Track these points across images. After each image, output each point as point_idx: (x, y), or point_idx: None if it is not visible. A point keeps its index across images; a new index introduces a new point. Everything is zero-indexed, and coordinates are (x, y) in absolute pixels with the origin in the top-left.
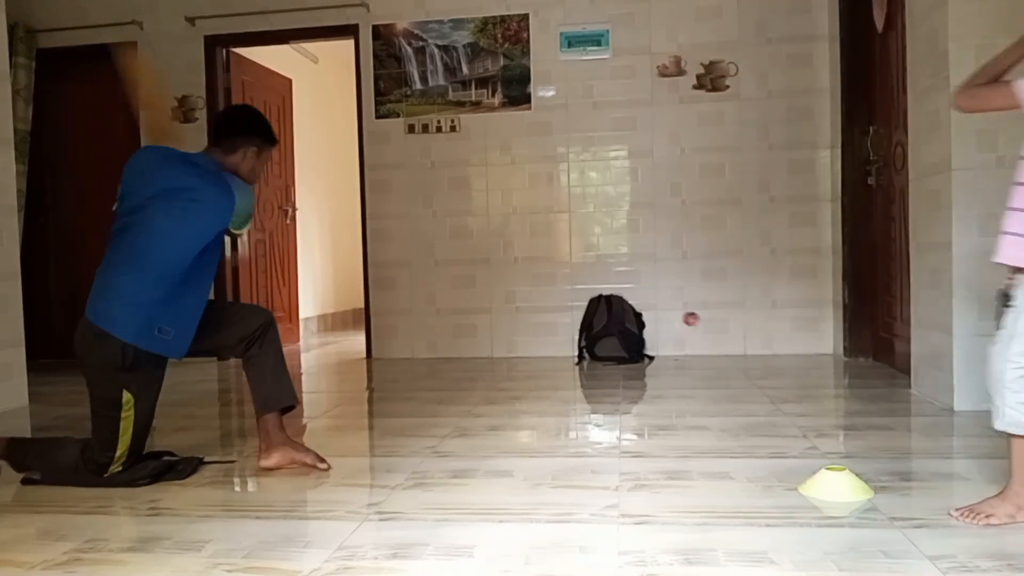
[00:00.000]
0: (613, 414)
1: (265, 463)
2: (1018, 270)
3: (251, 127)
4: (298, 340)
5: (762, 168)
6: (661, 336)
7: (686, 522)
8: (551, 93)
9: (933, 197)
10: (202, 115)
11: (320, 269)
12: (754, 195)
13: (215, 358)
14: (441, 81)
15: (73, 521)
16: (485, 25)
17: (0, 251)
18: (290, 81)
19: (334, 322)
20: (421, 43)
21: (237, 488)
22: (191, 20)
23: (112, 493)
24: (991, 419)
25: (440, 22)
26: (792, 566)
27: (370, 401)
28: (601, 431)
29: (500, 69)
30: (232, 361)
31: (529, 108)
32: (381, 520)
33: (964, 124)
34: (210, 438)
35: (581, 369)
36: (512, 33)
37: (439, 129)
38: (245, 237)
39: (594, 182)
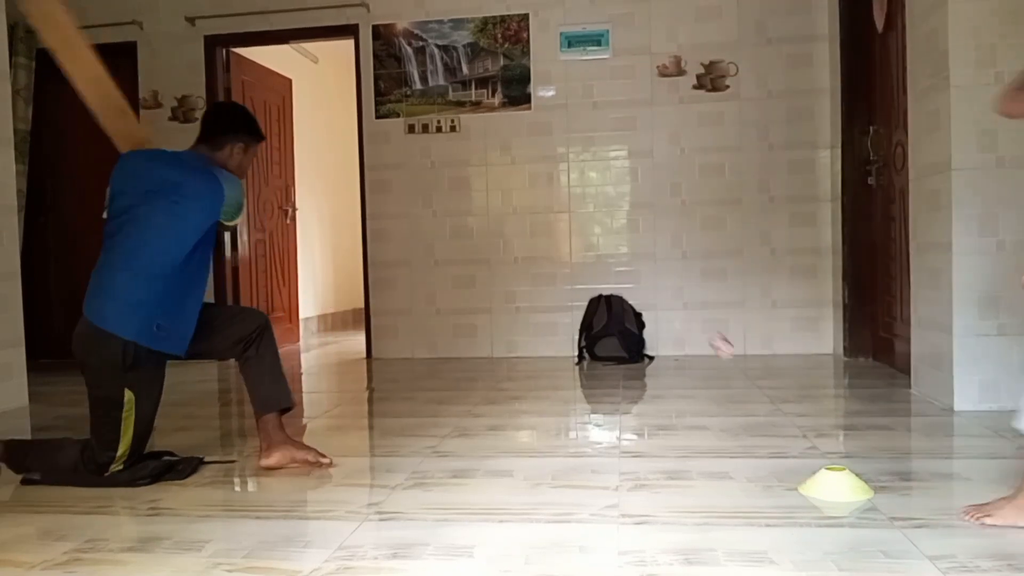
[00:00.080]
0: (613, 414)
1: (266, 462)
2: None
3: (237, 124)
4: (298, 340)
5: (762, 168)
6: (661, 336)
7: (686, 522)
8: (551, 93)
9: (933, 197)
10: (202, 115)
11: (320, 269)
12: (754, 195)
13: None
14: (441, 81)
15: (73, 521)
16: (485, 25)
17: (0, 251)
18: (290, 81)
19: (334, 322)
20: (421, 43)
21: (237, 488)
22: (191, 20)
23: (112, 493)
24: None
25: (440, 22)
26: (792, 566)
27: (370, 401)
28: (601, 431)
29: (500, 69)
30: (232, 361)
31: (529, 108)
32: (381, 520)
33: (964, 124)
34: (210, 438)
35: (581, 369)
36: (512, 33)
37: (439, 129)
38: (245, 237)
39: (594, 182)
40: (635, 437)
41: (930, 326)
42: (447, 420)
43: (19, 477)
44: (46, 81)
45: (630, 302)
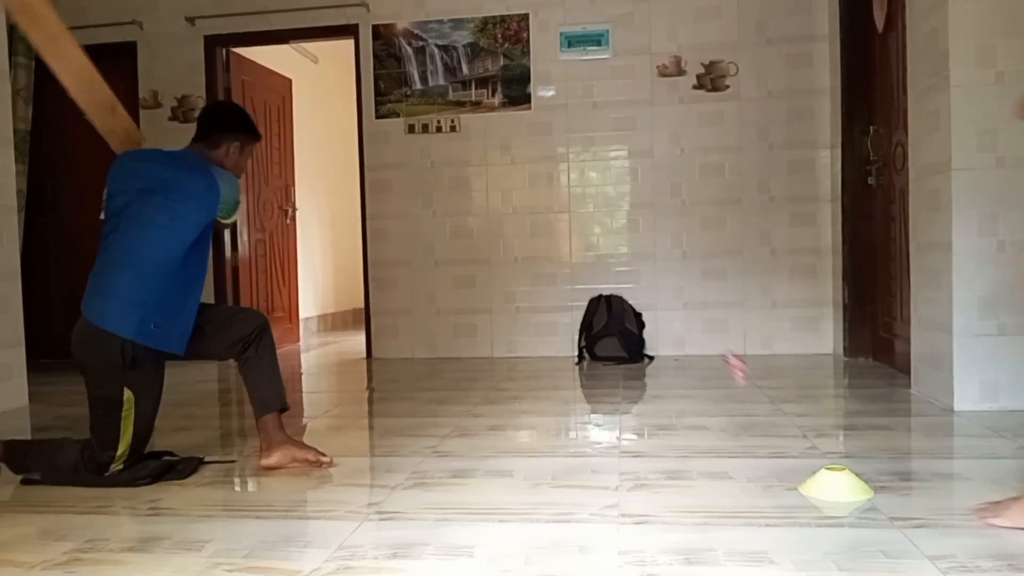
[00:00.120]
0: (613, 414)
1: (266, 462)
2: None
3: (233, 123)
4: (298, 340)
5: (762, 168)
6: (661, 336)
7: (686, 522)
8: (551, 93)
9: (933, 197)
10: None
11: (320, 269)
12: (754, 195)
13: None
14: (441, 81)
15: (73, 521)
16: (485, 25)
17: (0, 251)
18: (290, 81)
19: (334, 322)
20: (421, 43)
21: (237, 488)
22: (191, 20)
23: (112, 493)
24: None
25: (440, 22)
26: (792, 566)
27: (370, 401)
28: (601, 431)
29: (500, 69)
30: (232, 361)
31: (529, 108)
32: (381, 520)
33: (964, 124)
34: (210, 438)
35: (581, 369)
36: (512, 33)
37: (439, 129)
38: (245, 237)
39: (594, 182)
40: (635, 437)
41: (930, 326)
42: (447, 420)
43: (19, 477)
44: (46, 81)
45: (630, 302)
